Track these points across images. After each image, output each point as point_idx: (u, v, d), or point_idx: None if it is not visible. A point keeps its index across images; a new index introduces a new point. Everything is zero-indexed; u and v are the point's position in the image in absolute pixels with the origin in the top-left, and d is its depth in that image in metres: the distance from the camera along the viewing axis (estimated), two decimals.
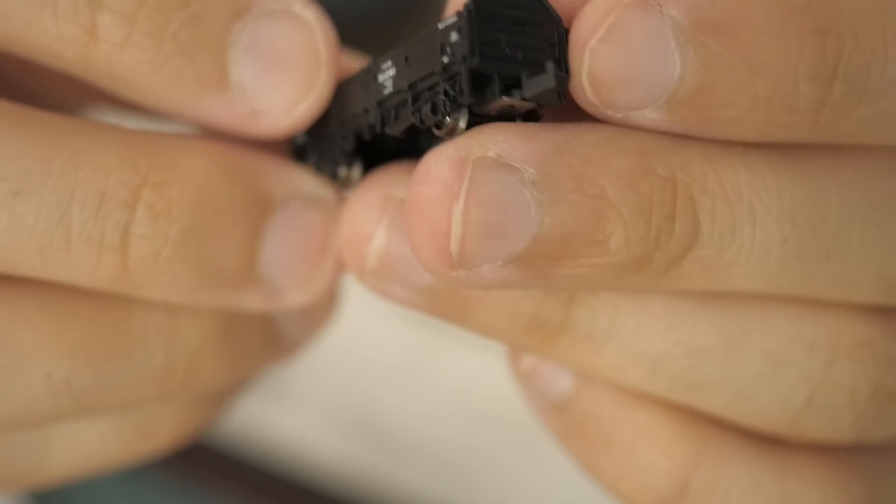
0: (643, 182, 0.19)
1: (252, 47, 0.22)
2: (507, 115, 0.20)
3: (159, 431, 0.25)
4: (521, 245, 0.19)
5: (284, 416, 0.49)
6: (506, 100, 0.19)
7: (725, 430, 0.23)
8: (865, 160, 0.21)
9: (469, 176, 0.19)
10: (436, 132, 0.20)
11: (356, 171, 0.23)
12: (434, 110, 0.20)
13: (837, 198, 0.20)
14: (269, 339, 0.24)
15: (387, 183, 0.22)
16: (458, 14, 0.19)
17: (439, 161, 0.19)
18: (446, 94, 0.19)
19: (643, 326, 0.22)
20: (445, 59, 0.19)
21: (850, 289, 0.21)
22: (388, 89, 0.21)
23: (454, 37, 0.19)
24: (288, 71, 0.22)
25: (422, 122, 0.20)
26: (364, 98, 0.22)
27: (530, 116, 0.20)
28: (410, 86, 0.20)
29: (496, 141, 0.19)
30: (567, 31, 0.20)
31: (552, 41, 0.20)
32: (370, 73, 0.21)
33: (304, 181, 0.23)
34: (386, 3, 0.66)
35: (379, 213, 0.22)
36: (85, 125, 0.21)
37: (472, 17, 0.19)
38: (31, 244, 0.21)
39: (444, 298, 0.22)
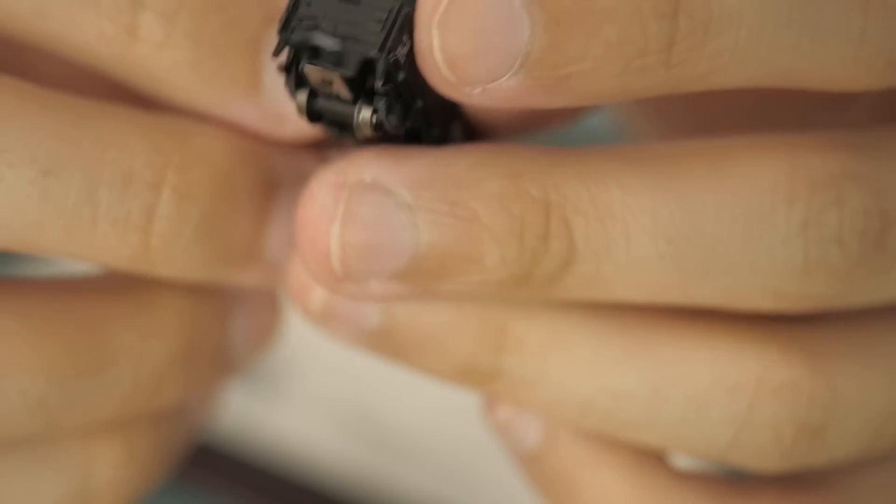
0: (515, 204, 0.20)
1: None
2: (414, 135, 0.21)
3: (100, 498, 0.24)
4: (401, 263, 0.21)
5: (283, 416, 0.49)
6: (318, 70, 0.19)
7: (689, 485, 0.24)
8: (745, 173, 0.21)
9: (345, 199, 0.21)
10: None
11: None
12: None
13: (714, 213, 0.21)
14: (222, 361, 0.25)
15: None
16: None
17: (319, 185, 0.21)
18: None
19: (570, 373, 0.22)
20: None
21: (737, 299, 0.21)
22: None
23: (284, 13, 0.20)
24: None
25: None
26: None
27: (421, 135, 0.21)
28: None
29: (372, 165, 0.21)
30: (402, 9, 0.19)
31: (386, 18, 0.19)
32: None
33: (305, 162, 0.23)
34: None
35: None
36: (109, 107, 0.21)
37: None
38: (58, 223, 0.21)
39: (385, 344, 0.23)
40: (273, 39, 0.20)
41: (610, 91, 0.20)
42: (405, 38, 0.20)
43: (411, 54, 0.20)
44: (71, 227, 0.21)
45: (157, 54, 0.21)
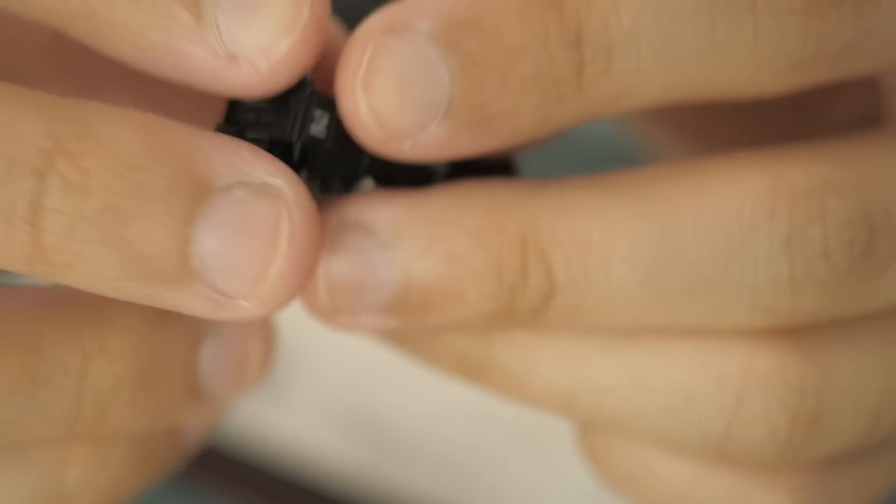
0: (492, 239, 0.21)
1: None
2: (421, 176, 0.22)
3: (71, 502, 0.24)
4: (385, 299, 0.22)
5: (284, 416, 0.49)
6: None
7: None
8: (723, 192, 0.21)
9: (330, 239, 0.21)
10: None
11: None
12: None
13: (694, 237, 0.21)
14: (190, 390, 0.23)
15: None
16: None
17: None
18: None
19: (553, 366, 0.23)
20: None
21: (726, 320, 0.21)
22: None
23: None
24: (265, 5, 0.20)
25: None
26: None
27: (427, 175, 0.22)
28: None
29: (354, 206, 0.22)
30: (311, 90, 0.21)
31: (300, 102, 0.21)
32: None
33: (255, 166, 0.20)
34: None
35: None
36: (2, 87, 0.19)
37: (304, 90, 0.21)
38: None
39: (403, 339, 0.24)
40: None
41: (532, 125, 0.20)
42: (317, 113, 0.21)
43: (334, 122, 0.21)
44: None
45: None
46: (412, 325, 0.22)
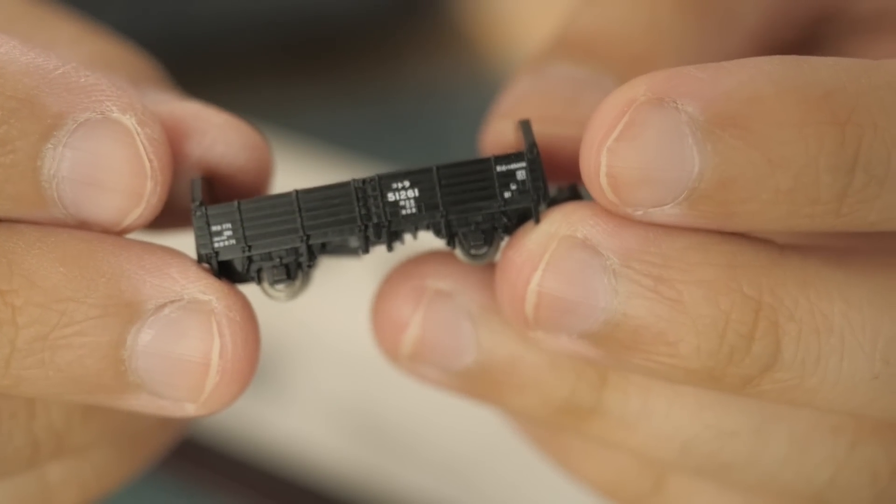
0: (724, 297, 0.20)
1: (67, 164, 0.20)
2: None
3: (58, 498, 0.24)
4: (594, 326, 0.20)
5: (284, 416, 0.49)
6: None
7: None
8: None
9: (552, 251, 0.20)
10: (471, 253, 0.22)
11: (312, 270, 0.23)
12: (487, 240, 0.22)
13: None
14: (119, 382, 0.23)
15: (421, 273, 0.23)
16: (523, 156, 0.21)
17: (530, 233, 0.21)
18: (500, 225, 0.21)
19: (674, 410, 0.22)
20: (508, 195, 0.21)
21: None
22: (409, 209, 0.22)
23: (521, 174, 0.21)
24: (109, 184, 0.21)
25: (470, 247, 0.22)
26: (344, 212, 0.22)
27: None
28: (447, 214, 0.22)
29: (587, 224, 0.20)
30: (535, 154, 0.21)
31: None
32: (359, 187, 0.22)
33: (186, 285, 0.21)
34: (384, 5, 0.66)
35: (414, 303, 0.22)
36: None
37: (538, 161, 0.21)
38: None
39: (478, 383, 0.23)
40: (52, 152, 0.20)
41: (771, 228, 0.20)
42: (217, 227, 0.22)
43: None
44: None
45: None
46: (608, 360, 0.21)
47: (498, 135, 0.23)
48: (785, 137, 0.19)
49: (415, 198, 0.22)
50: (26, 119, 0.20)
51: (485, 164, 0.21)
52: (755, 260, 0.20)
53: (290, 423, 0.49)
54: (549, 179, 0.22)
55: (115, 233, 0.21)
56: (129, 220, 0.21)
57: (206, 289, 0.21)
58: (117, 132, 0.21)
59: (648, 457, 0.23)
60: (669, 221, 0.20)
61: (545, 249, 0.20)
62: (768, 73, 0.19)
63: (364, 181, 0.22)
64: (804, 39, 0.26)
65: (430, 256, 0.23)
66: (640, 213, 0.20)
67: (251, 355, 0.21)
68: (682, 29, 0.23)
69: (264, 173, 0.23)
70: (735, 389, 0.21)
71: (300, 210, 0.22)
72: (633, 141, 0.19)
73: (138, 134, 0.21)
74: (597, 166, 0.19)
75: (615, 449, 0.23)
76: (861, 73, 0.19)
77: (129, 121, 0.21)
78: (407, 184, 0.22)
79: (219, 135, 0.23)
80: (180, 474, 0.47)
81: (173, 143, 0.22)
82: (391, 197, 0.22)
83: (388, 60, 0.64)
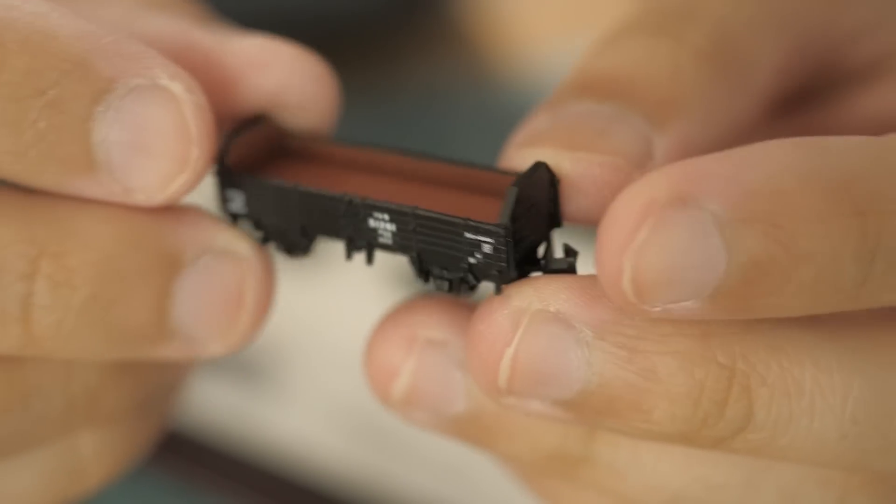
0: (698, 367, 0.20)
1: (118, 127, 0.21)
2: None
3: (90, 469, 0.25)
4: (568, 395, 0.20)
5: (284, 416, 0.49)
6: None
7: None
8: None
9: (524, 326, 0.20)
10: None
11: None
12: (451, 288, 0.22)
13: None
14: (161, 330, 0.24)
15: (412, 322, 0.23)
16: (494, 232, 0.21)
17: (500, 306, 0.21)
18: (465, 281, 0.22)
19: (663, 462, 0.22)
20: (472, 260, 0.21)
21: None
22: (385, 239, 0.22)
23: (487, 248, 0.21)
24: (156, 149, 0.21)
25: (438, 288, 0.22)
26: (342, 221, 0.23)
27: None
28: (419, 254, 0.22)
29: (559, 298, 0.20)
30: (556, 194, 0.21)
31: (547, 211, 0.21)
32: (346, 205, 0.22)
33: (216, 236, 0.23)
34: (385, 5, 0.66)
35: (405, 352, 0.23)
36: None
37: (510, 239, 0.21)
38: None
39: (469, 429, 0.23)
40: (104, 115, 0.21)
41: (792, 314, 0.19)
42: (230, 193, 0.23)
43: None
44: None
45: None
46: (581, 422, 0.21)
47: (514, 166, 0.23)
48: (810, 232, 0.18)
49: (392, 231, 0.22)
50: (79, 81, 0.21)
51: (457, 227, 0.21)
52: (728, 327, 0.20)
53: (290, 422, 0.49)
54: (570, 216, 0.22)
55: (160, 202, 0.22)
56: (174, 186, 0.22)
57: (238, 239, 0.23)
58: (166, 98, 0.21)
59: None
60: (687, 316, 0.19)
61: (517, 325, 0.20)
62: (789, 164, 0.19)
63: (352, 201, 0.22)
64: (808, 89, 0.26)
65: (423, 302, 0.23)
66: (658, 309, 0.19)
67: (272, 294, 0.23)
68: (705, 79, 0.22)
69: (330, 104, 0.24)
70: (708, 448, 0.21)
71: (299, 206, 0.23)
72: (660, 246, 0.18)
73: (186, 101, 0.21)
74: (619, 271, 0.19)
75: (606, 495, 0.23)
76: (876, 155, 0.19)
77: (177, 87, 0.21)
78: (387, 217, 0.22)
79: (287, 66, 0.23)
80: (180, 474, 0.47)
81: (240, 78, 0.23)
82: (371, 224, 0.22)
83: (389, 60, 0.64)
